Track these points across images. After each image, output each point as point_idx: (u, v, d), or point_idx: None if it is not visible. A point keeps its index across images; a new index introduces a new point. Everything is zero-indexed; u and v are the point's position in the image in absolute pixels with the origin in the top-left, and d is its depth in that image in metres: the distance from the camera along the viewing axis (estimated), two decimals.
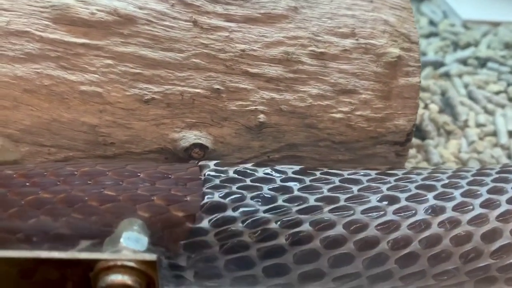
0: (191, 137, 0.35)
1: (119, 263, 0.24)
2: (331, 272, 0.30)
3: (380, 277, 0.30)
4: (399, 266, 0.30)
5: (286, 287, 0.31)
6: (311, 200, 0.31)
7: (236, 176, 0.32)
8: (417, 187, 0.33)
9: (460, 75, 0.58)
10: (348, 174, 0.33)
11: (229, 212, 0.30)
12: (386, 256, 0.30)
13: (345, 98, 0.36)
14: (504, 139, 0.50)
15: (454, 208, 0.31)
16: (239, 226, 0.30)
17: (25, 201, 0.30)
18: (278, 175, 0.33)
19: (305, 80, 0.36)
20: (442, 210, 0.31)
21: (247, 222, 0.30)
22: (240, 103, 0.35)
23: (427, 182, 0.33)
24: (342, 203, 0.31)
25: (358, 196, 0.32)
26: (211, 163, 0.33)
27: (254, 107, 0.35)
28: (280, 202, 0.31)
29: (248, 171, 0.33)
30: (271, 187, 0.32)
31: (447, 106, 0.54)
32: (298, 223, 0.30)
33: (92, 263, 0.25)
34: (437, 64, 0.59)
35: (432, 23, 0.67)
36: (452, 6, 0.68)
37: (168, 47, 0.35)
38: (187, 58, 0.35)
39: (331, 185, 0.32)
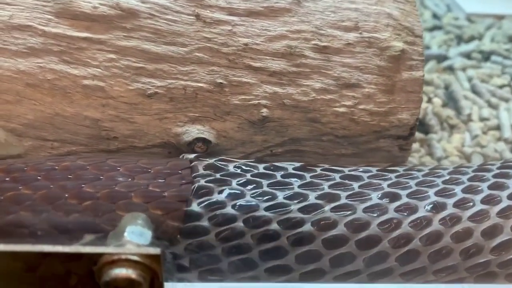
0: (194, 131, 0.35)
1: (123, 257, 0.24)
2: (331, 271, 0.30)
3: (380, 274, 0.30)
4: (399, 264, 0.30)
5: (283, 267, 0.31)
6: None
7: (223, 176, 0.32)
8: (417, 184, 0.33)
9: (463, 69, 0.58)
10: (349, 171, 0.34)
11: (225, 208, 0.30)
12: (387, 254, 0.30)
13: (348, 92, 0.36)
14: (507, 133, 0.50)
15: (455, 205, 0.31)
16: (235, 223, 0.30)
17: (4, 196, 0.30)
18: (279, 172, 0.33)
19: (308, 74, 0.36)
20: (443, 206, 0.31)
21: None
22: (243, 97, 0.35)
23: (428, 179, 0.33)
24: (343, 200, 0.31)
25: (359, 193, 0.32)
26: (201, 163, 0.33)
27: (257, 101, 0.35)
28: (281, 199, 0.31)
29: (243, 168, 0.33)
30: (271, 181, 0.32)
31: (451, 100, 0.54)
32: (300, 222, 0.30)
33: (96, 257, 0.25)
34: (441, 58, 0.59)
35: (435, 16, 0.67)
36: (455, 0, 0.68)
37: (171, 41, 0.35)
38: (190, 52, 0.35)
39: (331, 182, 0.32)
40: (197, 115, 0.35)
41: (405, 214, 0.31)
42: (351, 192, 0.32)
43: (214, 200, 0.30)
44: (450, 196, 0.32)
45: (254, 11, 0.36)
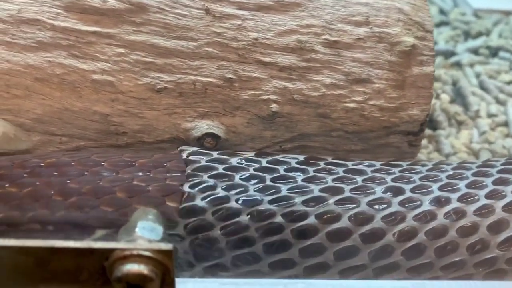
0: (203, 126, 0.35)
1: (135, 252, 0.24)
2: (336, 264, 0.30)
3: (387, 269, 0.30)
4: (405, 258, 0.30)
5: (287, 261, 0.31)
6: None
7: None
8: (421, 178, 0.32)
9: (471, 65, 0.57)
10: (353, 165, 0.33)
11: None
12: (392, 248, 0.30)
13: (358, 88, 0.36)
14: None
15: (459, 199, 0.31)
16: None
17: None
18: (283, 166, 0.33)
19: (318, 69, 0.35)
20: (447, 201, 0.31)
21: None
22: (253, 92, 0.35)
23: (432, 173, 0.33)
24: (347, 194, 0.31)
25: (362, 187, 0.31)
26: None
27: (266, 97, 0.35)
28: (284, 192, 0.31)
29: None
30: (274, 176, 0.32)
31: (458, 96, 0.53)
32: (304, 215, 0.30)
33: (107, 252, 0.25)
34: (448, 54, 0.59)
35: (442, 12, 0.66)
36: None
37: (180, 36, 0.34)
38: (200, 46, 0.34)
39: (335, 176, 0.32)
40: (206, 110, 0.35)
41: (409, 208, 0.31)
42: (354, 186, 0.31)
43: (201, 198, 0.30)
44: (455, 191, 0.32)
45: (264, 5, 0.35)
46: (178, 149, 0.34)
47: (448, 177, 0.33)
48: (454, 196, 0.31)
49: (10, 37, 0.33)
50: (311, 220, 0.30)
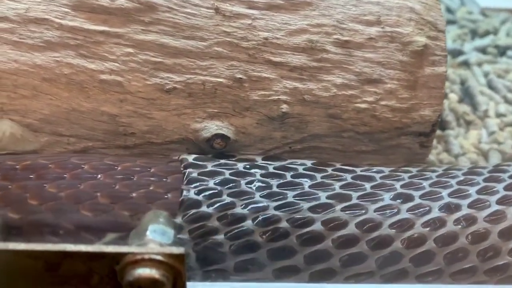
0: (212, 127, 0.34)
1: (146, 256, 0.24)
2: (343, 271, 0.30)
3: (395, 276, 0.30)
4: (414, 265, 0.30)
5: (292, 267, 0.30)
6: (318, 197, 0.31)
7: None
8: (431, 185, 0.32)
9: (479, 64, 0.57)
10: (361, 171, 0.33)
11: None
12: (400, 255, 0.30)
13: (370, 88, 0.35)
14: None
15: (470, 205, 0.31)
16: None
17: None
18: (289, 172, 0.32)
19: (329, 69, 0.35)
20: (457, 207, 0.31)
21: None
22: (263, 92, 0.34)
23: (442, 179, 0.33)
24: (354, 201, 0.31)
25: (371, 194, 0.31)
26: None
27: (276, 97, 0.34)
28: (291, 199, 0.31)
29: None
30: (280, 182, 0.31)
31: (467, 96, 0.53)
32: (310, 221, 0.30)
33: (118, 256, 0.24)
34: (456, 53, 0.58)
35: (449, 10, 0.66)
36: None
37: (189, 35, 0.34)
38: (209, 46, 0.34)
39: (343, 182, 0.32)
40: (216, 110, 0.34)
41: (418, 214, 0.30)
42: (363, 193, 0.31)
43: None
44: (465, 197, 0.31)
45: (274, 4, 0.35)
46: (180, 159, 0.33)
47: (458, 183, 0.33)
48: (465, 202, 0.31)
49: (17, 37, 0.33)
50: (317, 226, 0.30)
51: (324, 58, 0.35)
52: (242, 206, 0.30)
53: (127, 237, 0.27)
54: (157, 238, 0.26)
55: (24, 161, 0.31)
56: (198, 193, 0.30)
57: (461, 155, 0.47)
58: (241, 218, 0.30)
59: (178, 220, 0.30)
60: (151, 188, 0.30)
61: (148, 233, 0.26)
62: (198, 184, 0.31)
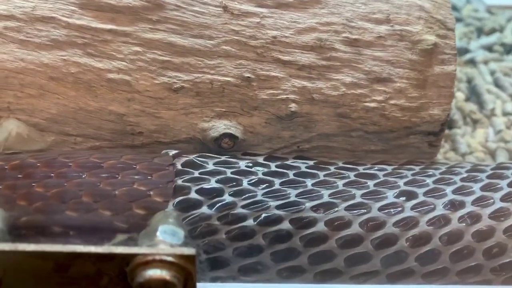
0: (220, 126, 0.34)
1: (157, 257, 0.24)
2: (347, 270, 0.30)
3: (400, 275, 0.30)
4: (420, 264, 0.29)
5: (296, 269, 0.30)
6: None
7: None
8: (435, 182, 0.32)
9: (485, 62, 0.57)
10: (364, 169, 0.33)
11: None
12: (405, 254, 0.29)
13: (379, 87, 0.35)
14: None
15: (474, 202, 0.31)
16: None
17: None
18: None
19: (338, 68, 0.35)
20: (461, 204, 0.31)
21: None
22: (271, 91, 0.34)
23: (446, 176, 0.33)
24: (358, 199, 0.30)
25: (374, 191, 0.31)
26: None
27: (285, 96, 0.34)
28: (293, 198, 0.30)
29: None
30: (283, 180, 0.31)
31: (473, 94, 0.53)
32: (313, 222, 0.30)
33: (128, 257, 0.24)
34: (462, 51, 0.58)
35: (455, 8, 0.65)
36: None
37: (197, 34, 0.34)
38: (217, 45, 0.34)
39: (346, 180, 0.32)
40: (224, 110, 0.34)
41: (423, 212, 0.30)
42: (366, 191, 0.31)
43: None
44: (469, 194, 0.31)
45: (283, 2, 0.35)
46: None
47: (462, 180, 0.32)
48: (469, 199, 0.31)
49: (24, 35, 0.33)
50: (321, 226, 0.29)
51: (333, 57, 0.35)
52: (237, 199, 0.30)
53: (137, 238, 0.27)
54: (167, 239, 0.25)
55: (12, 161, 0.31)
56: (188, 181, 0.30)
57: (468, 154, 0.47)
58: (242, 216, 0.30)
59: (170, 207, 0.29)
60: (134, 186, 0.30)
61: (158, 233, 0.26)
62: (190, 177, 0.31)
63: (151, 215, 0.28)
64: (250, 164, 0.32)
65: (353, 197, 0.31)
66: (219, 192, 0.30)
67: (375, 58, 0.35)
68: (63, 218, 0.29)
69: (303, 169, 0.33)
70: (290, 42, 0.34)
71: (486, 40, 0.60)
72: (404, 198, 0.31)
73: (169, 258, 0.24)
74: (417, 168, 0.34)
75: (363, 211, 0.30)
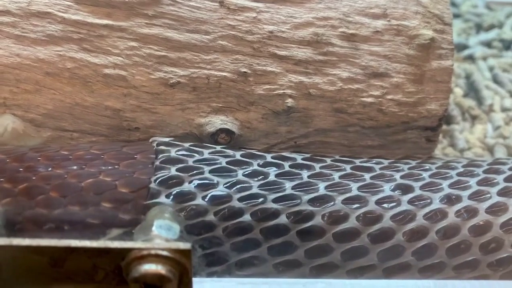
0: (217, 122, 0.34)
1: (152, 252, 0.24)
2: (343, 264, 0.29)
3: (397, 269, 0.30)
4: (416, 258, 0.29)
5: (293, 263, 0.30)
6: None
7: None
8: (431, 176, 0.32)
9: (484, 58, 0.56)
10: (360, 162, 0.33)
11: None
12: (402, 248, 0.29)
13: (376, 82, 0.35)
14: None
15: (471, 197, 0.31)
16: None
17: None
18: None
19: (335, 63, 0.34)
20: (458, 199, 0.30)
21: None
22: (268, 87, 0.34)
23: (442, 171, 0.32)
24: (355, 192, 0.30)
25: (370, 184, 0.31)
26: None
27: (282, 91, 0.34)
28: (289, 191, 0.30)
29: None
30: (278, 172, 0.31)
31: (472, 90, 0.52)
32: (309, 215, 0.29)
33: (123, 252, 0.24)
34: (460, 47, 0.58)
35: (454, 4, 0.65)
36: None
37: (194, 29, 0.34)
38: (214, 40, 0.34)
39: (343, 172, 0.31)
40: (220, 105, 0.34)
41: (419, 206, 0.30)
42: (362, 184, 0.31)
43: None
44: (465, 188, 0.31)
45: None
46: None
47: (458, 174, 0.32)
48: (465, 193, 0.31)
49: (20, 31, 0.32)
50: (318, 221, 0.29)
51: (329, 52, 0.34)
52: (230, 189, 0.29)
53: (132, 232, 0.27)
54: (163, 233, 0.25)
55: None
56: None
57: (467, 150, 0.46)
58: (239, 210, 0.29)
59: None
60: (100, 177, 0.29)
61: (153, 228, 0.26)
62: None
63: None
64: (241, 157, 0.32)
65: (349, 190, 0.30)
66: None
67: (372, 53, 0.35)
68: (33, 213, 0.29)
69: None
70: (286, 37, 0.34)
71: (485, 36, 0.60)
72: (400, 192, 0.31)
73: (165, 253, 0.24)
74: (413, 163, 0.34)
75: (360, 204, 0.30)
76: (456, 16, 0.64)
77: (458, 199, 0.30)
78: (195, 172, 0.30)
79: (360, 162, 0.33)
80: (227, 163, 0.31)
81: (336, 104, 0.35)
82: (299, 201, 0.30)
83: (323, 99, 0.35)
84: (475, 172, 0.32)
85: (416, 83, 0.35)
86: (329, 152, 0.36)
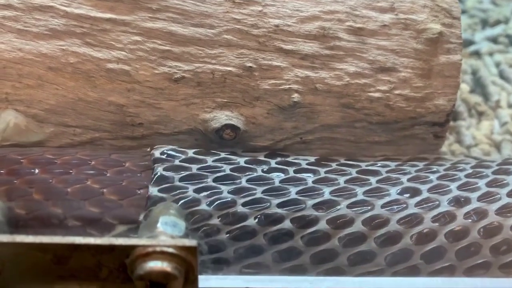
0: (222, 117, 0.33)
1: (158, 249, 0.23)
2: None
3: (406, 273, 0.29)
4: (425, 262, 0.29)
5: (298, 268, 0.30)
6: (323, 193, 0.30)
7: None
8: (439, 178, 0.31)
9: (490, 54, 0.56)
10: (366, 166, 0.32)
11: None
12: (411, 252, 0.29)
13: (384, 77, 0.34)
14: None
15: (480, 199, 0.30)
16: None
17: None
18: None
19: (342, 57, 0.34)
20: (467, 201, 0.30)
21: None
22: (273, 81, 0.34)
23: (449, 172, 0.32)
24: (360, 196, 0.30)
25: (377, 188, 0.30)
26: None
27: (287, 86, 0.34)
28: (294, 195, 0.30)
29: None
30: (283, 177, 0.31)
31: (478, 86, 0.52)
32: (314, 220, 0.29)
33: (128, 249, 0.24)
34: (466, 43, 0.57)
35: None
36: None
37: (198, 23, 0.33)
38: (219, 34, 0.33)
39: (348, 177, 0.31)
40: (225, 100, 0.34)
41: (427, 209, 0.30)
42: (368, 188, 0.30)
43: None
44: (474, 190, 0.31)
45: None
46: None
47: (467, 176, 0.32)
48: (474, 195, 0.30)
49: (22, 25, 0.32)
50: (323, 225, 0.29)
51: (336, 46, 0.34)
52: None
53: (137, 229, 0.26)
54: (168, 230, 0.25)
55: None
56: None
57: (473, 146, 0.46)
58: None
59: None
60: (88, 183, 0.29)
61: (159, 225, 0.25)
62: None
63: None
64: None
65: (355, 194, 0.30)
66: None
67: (380, 47, 0.34)
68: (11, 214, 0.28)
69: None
70: (292, 31, 0.34)
71: (491, 31, 0.59)
72: (408, 195, 0.30)
73: (170, 250, 0.23)
74: (420, 165, 0.33)
75: (366, 208, 0.29)
76: (462, 11, 0.63)
77: (467, 201, 0.30)
78: (197, 180, 0.30)
79: (366, 165, 0.33)
80: (231, 170, 0.31)
81: (343, 99, 0.34)
82: (303, 206, 0.29)
83: (330, 94, 0.34)
84: (484, 173, 0.32)
85: (424, 78, 0.35)
86: (335, 149, 0.36)
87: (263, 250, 0.29)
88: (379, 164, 0.33)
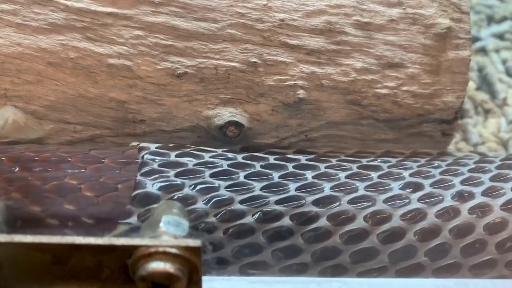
0: (226, 114, 0.33)
1: (160, 249, 0.23)
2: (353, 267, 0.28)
3: (410, 270, 0.29)
4: (429, 259, 0.28)
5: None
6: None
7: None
8: (441, 173, 0.31)
9: (497, 51, 0.55)
10: (367, 161, 0.32)
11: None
12: (414, 248, 0.28)
13: (391, 73, 0.33)
14: None
15: (484, 193, 0.30)
16: None
17: None
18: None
19: (348, 53, 0.33)
20: (470, 195, 0.29)
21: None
22: (278, 77, 0.33)
23: (452, 167, 0.31)
24: (362, 191, 0.29)
25: (378, 183, 0.30)
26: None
27: (293, 82, 0.33)
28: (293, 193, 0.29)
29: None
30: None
31: (485, 83, 0.51)
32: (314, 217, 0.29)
33: (130, 249, 0.23)
34: (472, 39, 0.56)
35: None
36: None
37: (201, 17, 0.32)
38: (222, 28, 0.32)
39: (349, 172, 0.31)
40: (229, 97, 0.33)
41: (430, 204, 0.29)
42: (370, 183, 0.30)
43: None
44: (478, 185, 0.30)
45: None
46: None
47: (470, 170, 0.31)
48: (478, 190, 0.30)
49: (21, 19, 0.31)
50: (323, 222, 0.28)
51: (343, 41, 0.33)
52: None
53: (139, 229, 0.26)
54: (171, 230, 0.24)
55: None
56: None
57: (480, 144, 0.45)
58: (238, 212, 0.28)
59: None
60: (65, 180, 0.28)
61: (161, 224, 0.24)
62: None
63: None
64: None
65: (356, 189, 0.29)
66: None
67: (387, 42, 0.34)
68: None
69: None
70: (298, 25, 0.33)
71: (497, 28, 0.58)
72: (410, 190, 0.30)
73: (173, 250, 0.23)
74: (422, 160, 0.33)
75: (367, 204, 0.29)
76: None
77: (471, 195, 0.29)
78: (193, 176, 0.30)
79: (367, 161, 0.32)
80: (228, 166, 0.30)
81: (350, 96, 0.33)
82: (303, 202, 0.29)
83: (336, 91, 0.33)
84: (487, 168, 0.31)
85: (432, 74, 0.34)
86: (341, 147, 0.35)
87: (262, 248, 0.28)
88: (379, 160, 0.32)
